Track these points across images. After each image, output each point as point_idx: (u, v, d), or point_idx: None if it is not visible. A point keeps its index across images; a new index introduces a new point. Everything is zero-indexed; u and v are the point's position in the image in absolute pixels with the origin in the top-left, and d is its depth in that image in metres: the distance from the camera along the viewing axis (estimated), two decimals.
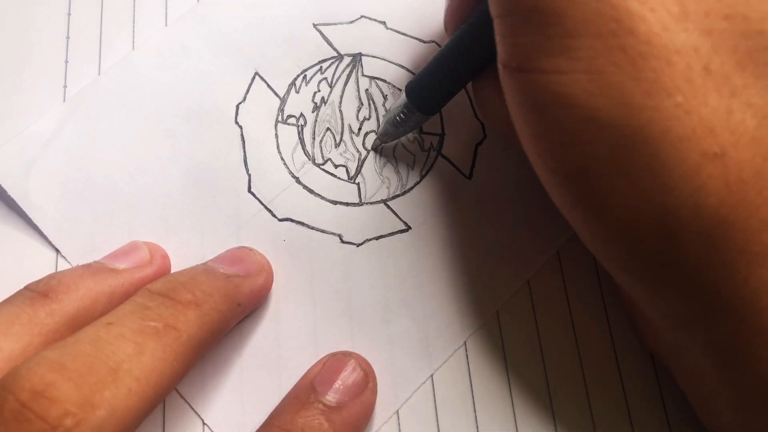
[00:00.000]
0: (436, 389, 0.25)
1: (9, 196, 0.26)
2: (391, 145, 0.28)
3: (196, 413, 0.24)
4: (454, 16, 0.24)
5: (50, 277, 0.22)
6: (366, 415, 0.23)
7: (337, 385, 0.22)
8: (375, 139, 0.28)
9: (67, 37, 0.29)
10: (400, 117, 0.26)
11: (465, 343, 0.25)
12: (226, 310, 0.22)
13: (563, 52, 0.17)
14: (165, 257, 0.25)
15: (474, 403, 0.24)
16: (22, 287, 0.22)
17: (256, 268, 0.24)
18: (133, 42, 0.29)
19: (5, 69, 0.28)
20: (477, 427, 0.24)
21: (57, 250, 0.26)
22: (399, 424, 0.24)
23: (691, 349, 0.20)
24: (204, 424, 0.24)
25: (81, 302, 0.22)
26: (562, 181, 0.19)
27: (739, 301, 0.18)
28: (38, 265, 0.25)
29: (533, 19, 0.17)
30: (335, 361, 0.23)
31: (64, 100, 0.28)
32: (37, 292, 0.21)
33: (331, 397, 0.22)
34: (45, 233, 0.26)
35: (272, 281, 0.25)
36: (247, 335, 0.25)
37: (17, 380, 0.17)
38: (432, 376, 0.25)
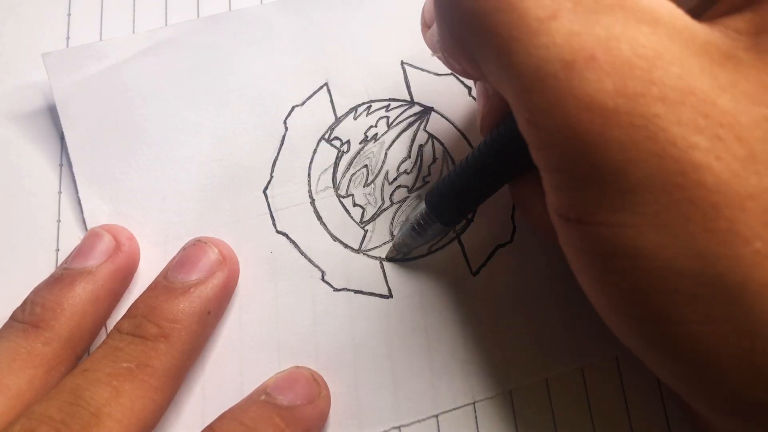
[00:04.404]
0: None
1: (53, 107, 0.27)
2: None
3: None
4: (491, 117, 0.22)
5: (32, 303, 0.23)
6: (318, 419, 0.23)
7: (289, 390, 0.23)
8: (390, 248, 0.26)
9: (67, 38, 0.29)
10: (419, 225, 0.24)
11: (437, 417, 0.24)
12: (197, 326, 0.23)
13: (627, 207, 0.16)
14: (131, 239, 0.25)
15: None
16: (8, 318, 0.23)
17: (216, 265, 0.24)
18: None
19: (5, 69, 0.28)
20: None
21: (57, 250, 0.26)
22: None
23: None
24: None
25: (71, 322, 0.23)
26: (635, 326, 0.18)
27: None
28: (38, 264, 0.25)
29: (590, 177, 0.16)
30: (288, 373, 0.24)
31: None
32: (27, 323, 0.22)
33: (282, 399, 0.22)
34: (69, 150, 0.26)
35: (238, 270, 0.25)
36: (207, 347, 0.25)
37: None
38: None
